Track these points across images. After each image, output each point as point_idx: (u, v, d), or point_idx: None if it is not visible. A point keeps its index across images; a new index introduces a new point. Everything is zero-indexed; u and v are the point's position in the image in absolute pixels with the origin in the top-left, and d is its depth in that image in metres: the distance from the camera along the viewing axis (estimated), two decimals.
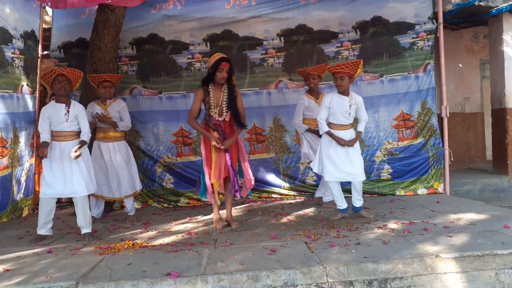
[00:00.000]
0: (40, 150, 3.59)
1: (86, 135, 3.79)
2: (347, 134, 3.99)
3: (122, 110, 4.50)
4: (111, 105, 4.47)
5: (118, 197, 4.53)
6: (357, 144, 4.04)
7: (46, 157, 3.58)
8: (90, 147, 4.47)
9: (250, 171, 4.00)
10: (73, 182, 3.67)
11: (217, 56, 3.87)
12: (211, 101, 3.85)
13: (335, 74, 3.93)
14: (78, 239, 3.71)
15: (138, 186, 4.67)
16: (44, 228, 3.76)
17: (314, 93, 4.75)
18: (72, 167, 3.69)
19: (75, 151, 3.63)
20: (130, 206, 4.58)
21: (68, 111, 3.72)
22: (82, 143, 3.74)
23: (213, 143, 3.74)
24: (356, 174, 3.97)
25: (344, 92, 3.96)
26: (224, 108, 3.87)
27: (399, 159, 5.49)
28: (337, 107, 3.94)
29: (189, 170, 5.54)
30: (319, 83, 4.86)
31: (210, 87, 3.88)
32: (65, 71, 3.73)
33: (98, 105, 4.46)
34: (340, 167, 3.95)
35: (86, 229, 3.77)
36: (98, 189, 4.33)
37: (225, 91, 3.89)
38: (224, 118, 3.88)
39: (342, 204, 4.07)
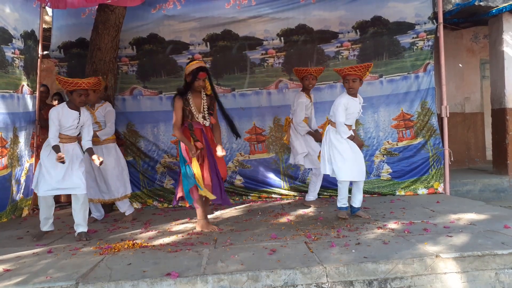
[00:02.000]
0: (58, 155, 3.57)
1: (90, 143, 3.91)
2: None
3: (107, 114, 4.45)
4: (98, 109, 4.45)
5: (107, 199, 4.50)
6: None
7: (65, 162, 3.60)
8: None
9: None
10: (74, 179, 3.72)
11: (195, 65, 3.81)
12: (193, 109, 3.83)
13: (347, 76, 3.95)
14: (77, 239, 3.70)
15: (128, 190, 4.61)
16: (46, 224, 3.81)
17: (308, 93, 4.80)
18: (73, 167, 3.75)
19: (99, 159, 3.77)
20: (125, 207, 4.56)
21: (79, 119, 3.82)
22: (90, 151, 3.87)
23: (193, 154, 3.70)
24: (364, 173, 4.05)
25: (355, 94, 4.02)
26: (206, 113, 3.87)
27: (399, 159, 5.49)
28: (353, 108, 4.00)
29: None
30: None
31: (188, 95, 3.85)
32: (88, 86, 3.82)
33: (87, 110, 4.45)
34: (354, 167, 3.97)
35: (82, 227, 3.79)
36: (88, 193, 4.35)
37: (204, 97, 3.87)
38: (210, 122, 3.88)
39: (346, 203, 4.09)
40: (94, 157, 3.78)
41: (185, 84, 3.89)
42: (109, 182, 4.43)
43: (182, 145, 3.80)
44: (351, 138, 3.99)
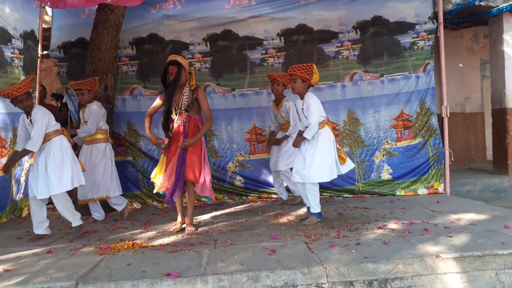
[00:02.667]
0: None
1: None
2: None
3: (92, 111, 4.45)
4: (86, 108, 4.50)
5: (96, 197, 4.50)
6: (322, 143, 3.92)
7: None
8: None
9: (207, 177, 3.87)
10: (51, 180, 3.67)
11: (169, 58, 3.80)
12: (173, 104, 3.83)
13: (290, 76, 3.96)
14: (78, 241, 3.69)
15: (115, 192, 4.59)
16: (39, 227, 3.78)
17: (277, 99, 4.91)
18: (47, 166, 3.68)
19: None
20: (115, 202, 4.60)
21: (30, 120, 3.74)
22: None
23: (154, 144, 3.81)
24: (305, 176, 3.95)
25: (300, 95, 3.96)
26: (183, 109, 3.84)
27: (399, 159, 5.48)
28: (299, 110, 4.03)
29: None
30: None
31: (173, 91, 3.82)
32: (20, 90, 3.64)
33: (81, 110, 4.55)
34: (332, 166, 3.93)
35: (75, 222, 3.81)
36: (80, 194, 4.45)
37: (186, 93, 3.83)
38: (185, 120, 3.84)
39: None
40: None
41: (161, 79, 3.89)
42: (96, 182, 4.45)
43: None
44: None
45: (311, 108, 3.81)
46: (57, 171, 3.66)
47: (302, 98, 3.94)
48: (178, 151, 3.80)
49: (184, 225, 3.95)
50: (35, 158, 3.77)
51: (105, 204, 4.72)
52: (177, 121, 3.88)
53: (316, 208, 3.95)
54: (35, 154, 3.77)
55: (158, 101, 3.93)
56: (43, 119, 3.63)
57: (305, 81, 3.87)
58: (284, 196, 5.09)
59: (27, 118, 3.70)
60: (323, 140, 3.87)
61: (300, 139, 3.95)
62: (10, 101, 3.68)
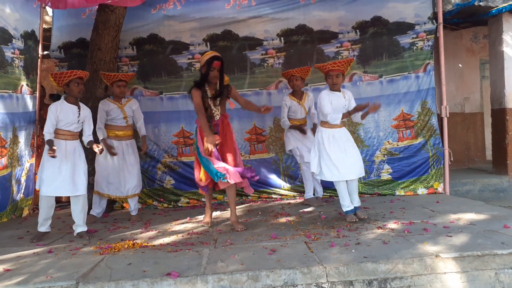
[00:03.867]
0: (49, 150, 3.55)
1: (91, 137, 3.93)
2: (342, 131, 4.02)
3: (137, 110, 4.61)
4: (127, 104, 4.53)
5: (124, 196, 4.52)
6: (352, 138, 4.07)
7: (55, 157, 3.57)
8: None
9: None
10: (77, 180, 3.73)
11: (209, 54, 3.79)
12: (210, 102, 3.81)
13: (331, 72, 3.92)
14: (79, 241, 3.70)
15: (142, 186, 4.74)
16: (44, 225, 3.80)
17: (297, 94, 4.88)
18: (75, 166, 3.75)
19: (98, 147, 3.83)
20: (134, 205, 4.59)
21: (79, 113, 3.81)
22: (92, 143, 3.88)
23: (209, 147, 3.57)
24: (357, 172, 3.96)
25: (338, 89, 4.01)
26: (219, 107, 3.86)
27: (399, 159, 5.49)
28: (336, 102, 3.97)
29: (190, 170, 5.52)
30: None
31: (206, 86, 3.81)
32: (83, 75, 3.83)
33: (113, 103, 4.47)
34: (342, 166, 3.89)
35: (82, 227, 3.82)
36: (105, 187, 4.43)
37: (218, 90, 3.85)
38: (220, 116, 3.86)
39: (350, 205, 3.97)
40: (94, 146, 3.83)
41: (201, 75, 3.85)
42: (130, 178, 4.47)
43: (199, 138, 3.83)
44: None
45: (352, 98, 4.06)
46: (84, 172, 3.79)
47: (340, 91, 4.02)
48: (228, 146, 3.81)
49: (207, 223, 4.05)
50: (61, 157, 3.69)
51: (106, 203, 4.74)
52: (217, 119, 3.85)
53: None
54: (58, 152, 3.66)
55: (199, 98, 3.75)
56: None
57: (344, 75, 4.00)
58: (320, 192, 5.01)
59: (78, 111, 3.82)
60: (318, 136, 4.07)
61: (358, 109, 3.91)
62: (66, 85, 3.76)
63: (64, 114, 3.73)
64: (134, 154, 4.56)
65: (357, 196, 4.03)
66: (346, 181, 3.95)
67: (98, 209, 4.56)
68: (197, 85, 3.81)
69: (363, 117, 4.04)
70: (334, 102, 3.94)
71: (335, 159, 3.90)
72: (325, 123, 3.99)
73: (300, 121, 4.92)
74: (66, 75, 3.75)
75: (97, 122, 4.37)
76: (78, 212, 3.78)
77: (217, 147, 3.77)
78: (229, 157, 3.81)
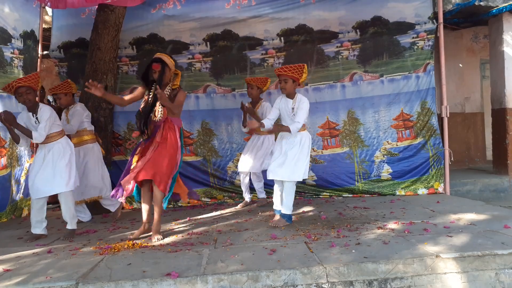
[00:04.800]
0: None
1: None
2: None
3: (73, 113, 4.48)
4: (69, 110, 4.52)
5: (88, 198, 4.50)
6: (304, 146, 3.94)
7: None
8: None
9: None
10: (54, 180, 3.71)
11: (154, 57, 3.74)
12: (149, 101, 3.72)
13: (279, 76, 3.94)
14: (78, 241, 3.69)
15: (107, 191, 4.56)
16: (38, 227, 3.80)
17: (253, 102, 4.93)
18: (55, 166, 3.74)
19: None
20: (109, 203, 4.61)
21: (36, 118, 3.74)
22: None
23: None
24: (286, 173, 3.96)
25: (289, 95, 3.96)
26: (159, 108, 3.69)
27: (399, 159, 5.48)
28: (283, 109, 3.98)
29: (190, 170, 5.54)
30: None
31: (152, 86, 3.72)
32: (22, 82, 3.67)
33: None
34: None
35: (70, 225, 3.85)
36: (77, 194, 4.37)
37: (167, 92, 3.70)
38: (160, 118, 3.69)
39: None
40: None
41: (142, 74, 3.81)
42: (91, 182, 4.46)
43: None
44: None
45: (304, 108, 3.87)
46: (67, 170, 3.76)
47: (292, 98, 3.95)
48: (153, 147, 3.65)
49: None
50: (39, 157, 3.77)
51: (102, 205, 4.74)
52: (153, 119, 3.71)
53: (288, 209, 3.94)
54: (39, 153, 3.78)
55: (137, 93, 3.80)
56: (50, 116, 3.72)
57: (295, 81, 3.91)
58: (248, 198, 5.07)
59: (33, 116, 3.73)
60: (306, 141, 3.94)
61: (280, 127, 3.93)
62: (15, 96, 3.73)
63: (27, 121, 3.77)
64: (90, 159, 4.52)
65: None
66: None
67: (82, 214, 4.51)
68: (145, 82, 3.78)
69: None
70: (282, 109, 3.98)
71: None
72: (304, 126, 3.95)
73: None
74: (8, 88, 3.69)
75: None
76: (62, 209, 3.83)
77: (142, 143, 3.72)
78: (148, 158, 3.62)
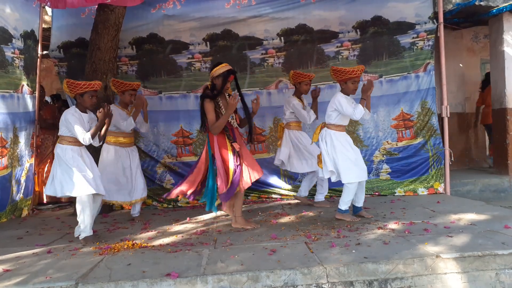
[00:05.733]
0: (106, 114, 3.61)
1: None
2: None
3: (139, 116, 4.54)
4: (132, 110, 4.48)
5: (132, 200, 4.44)
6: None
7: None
8: (97, 149, 4.43)
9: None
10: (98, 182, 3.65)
11: (224, 67, 3.83)
12: (223, 111, 3.79)
13: (358, 77, 3.93)
14: (78, 241, 3.67)
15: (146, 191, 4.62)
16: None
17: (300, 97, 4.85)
18: (93, 169, 3.69)
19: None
20: (138, 208, 4.56)
21: (89, 121, 3.74)
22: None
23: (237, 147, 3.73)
24: (366, 171, 4.01)
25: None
26: (233, 114, 3.88)
27: (398, 159, 5.48)
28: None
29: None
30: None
31: (218, 99, 3.85)
32: (99, 87, 3.77)
33: (122, 110, 4.41)
34: (359, 167, 3.91)
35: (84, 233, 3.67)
36: (114, 194, 4.31)
37: (227, 98, 3.88)
38: (236, 124, 3.92)
39: (349, 205, 4.02)
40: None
41: (213, 87, 3.87)
42: (137, 183, 4.41)
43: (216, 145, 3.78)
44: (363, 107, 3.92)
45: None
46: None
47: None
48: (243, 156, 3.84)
49: None
50: (83, 157, 3.66)
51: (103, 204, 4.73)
52: (230, 126, 3.89)
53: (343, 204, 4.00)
54: (76, 152, 3.64)
55: (213, 113, 3.79)
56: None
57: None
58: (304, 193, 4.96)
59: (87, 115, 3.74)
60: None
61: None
62: (80, 95, 3.66)
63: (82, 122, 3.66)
64: (138, 160, 4.52)
65: (364, 196, 4.08)
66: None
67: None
68: (210, 96, 3.82)
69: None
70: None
71: (352, 159, 3.90)
72: (338, 126, 3.96)
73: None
74: (83, 86, 3.66)
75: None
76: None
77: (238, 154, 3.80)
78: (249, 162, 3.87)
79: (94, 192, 3.55)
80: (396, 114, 5.55)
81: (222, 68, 3.82)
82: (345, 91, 3.96)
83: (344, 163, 3.89)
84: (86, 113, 3.75)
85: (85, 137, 3.54)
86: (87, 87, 3.65)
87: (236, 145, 3.76)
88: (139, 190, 4.43)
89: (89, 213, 3.58)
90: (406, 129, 5.52)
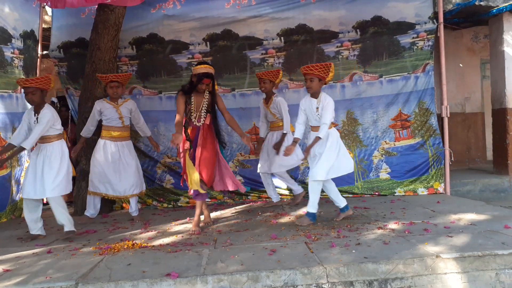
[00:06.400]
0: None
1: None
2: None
3: (135, 111, 4.57)
4: (123, 104, 4.50)
5: (122, 196, 4.48)
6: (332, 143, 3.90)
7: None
8: (93, 145, 4.48)
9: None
10: (45, 183, 3.64)
11: (202, 69, 3.83)
12: (192, 107, 3.89)
13: (305, 75, 3.88)
14: (78, 241, 3.69)
15: (144, 186, 4.70)
16: (33, 228, 3.76)
17: (267, 97, 4.84)
18: (44, 169, 3.67)
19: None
20: (135, 206, 4.57)
21: (37, 118, 3.69)
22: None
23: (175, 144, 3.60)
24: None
25: (314, 94, 3.90)
26: (203, 113, 3.92)
27: (397, 158, 5.48)
28: (308, 109, 3.94)
29: None
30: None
31: (192, 95, 3.91)
32: (28, 83, 3.67)
33: (108, 103, 4.45)
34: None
35: (66, 227, 3.77)
36: (101, 186, 4.39)
37: (206, 97, 3.94)
38: (204, 122, 3.92)
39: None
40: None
41: (191, 82, 3.93)
42: (128, 178, 4.44)
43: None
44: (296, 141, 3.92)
45: (329, 108, 3.81)
46: (52, 175, 3.65)
47: (316, 97, 3.89)
48: (196, 154, 3.86)
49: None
50: (32, 159, 3.75)
51: (105, 203, 4.72)
52: (195, 124, 3.91)
53: (311, 208, 3.93)
54: (32, 155, 3.76)
55: (182, 106, 3.85)
56: (49, 120, 3.64)
57: (321, 80, 3.85)
58: (276, 198, 4.99)
59: (34, 115, 3.70)
60: (333, 139, 3.88)
61: (293, 147, 3.88)
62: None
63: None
64: (131, 155, 4.52)
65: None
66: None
67: (92, 211, 4.51)
68: (184, 91, 3.91)
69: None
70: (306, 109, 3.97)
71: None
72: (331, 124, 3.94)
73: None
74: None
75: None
76: (56, 215, 3.78)
77: (191, 151, 3.86)
78: (204, 165, 3.86)
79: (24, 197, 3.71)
80: (394, 114, 5.55)
81: (201, 69, 3.84)
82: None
83: (333, 161, 3.87)
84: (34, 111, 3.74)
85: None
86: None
87: (182, 145, 3.81)
88: (128, 185, 4.44)
89: (25, 214, 3.75)
90: (403, 129, 5.52)
